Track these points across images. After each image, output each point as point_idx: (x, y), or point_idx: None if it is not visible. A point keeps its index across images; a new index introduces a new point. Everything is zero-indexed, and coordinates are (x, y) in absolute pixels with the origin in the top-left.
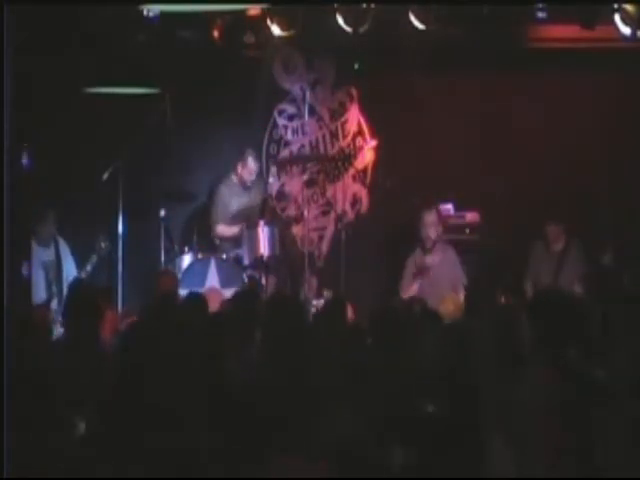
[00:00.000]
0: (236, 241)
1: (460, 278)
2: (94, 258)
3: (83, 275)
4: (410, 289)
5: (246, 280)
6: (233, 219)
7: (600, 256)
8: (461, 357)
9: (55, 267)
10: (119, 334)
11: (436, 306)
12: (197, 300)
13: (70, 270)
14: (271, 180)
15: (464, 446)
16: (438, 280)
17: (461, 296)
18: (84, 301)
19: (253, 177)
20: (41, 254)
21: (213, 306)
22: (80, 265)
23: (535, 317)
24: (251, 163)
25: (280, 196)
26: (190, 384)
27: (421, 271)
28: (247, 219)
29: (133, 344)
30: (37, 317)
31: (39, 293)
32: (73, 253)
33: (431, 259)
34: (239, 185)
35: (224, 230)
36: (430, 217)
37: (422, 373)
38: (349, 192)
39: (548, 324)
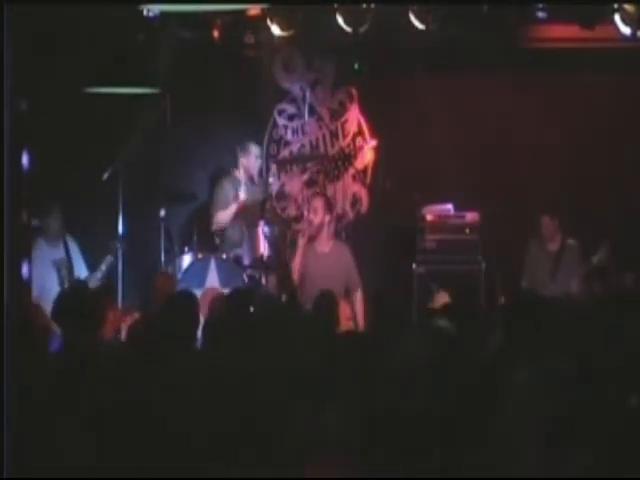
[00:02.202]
0: (236, 239)
1: (355, 281)
2: (109, 258)
3: (98, 275)
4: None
5: (246, 280)
6: (232, 211)
7: (592, 255)
8: (456, 358)
9: (66, 265)
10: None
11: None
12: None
13: (81, 269)
14: (271, 180)
15: (460, 446)
16: (324, 276)
17: (357, 299)
18: (86, 302)
19: (257, 167)
20: (51, 252)
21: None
22: (93, 265)
23: (528, 317)
24: (254, 151)
25: (280, 196)
26: (188, 384)
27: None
28: (247, 218)
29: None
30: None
31: (52, 292)
32: (83, 252)
33: (315, 249)
34: (244, 179)
35: (222, 215)
36: (315, 203)
37: (415, 373)
38: (349, 192)
39: (541, 324)
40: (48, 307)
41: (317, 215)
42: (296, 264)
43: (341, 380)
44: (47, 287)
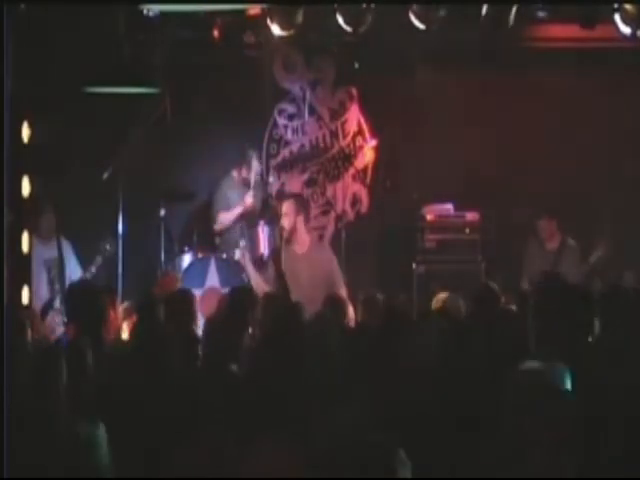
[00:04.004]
0: (237, 239)
1: (337, 279)
2: (99, 260)
3: (88, 276)
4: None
5: (246, 280)
6: (236, 213)
7: (590, 255)
8: (462, 356)
9: (57, 265)
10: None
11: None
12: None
13: (74, 269)
14: (271, 180)
15: (463, 445)
16: (307, 277)
17: (343, 295)
18: (87, 301)
19: (257, 178)
20: (43, 251)
21: (213, 306)
22: (84, 266)
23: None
24: (255, 165)
25: (280, 196)
26: (190, 382)
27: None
28: (247, 219)
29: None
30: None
31: (41, 292)
32: (76, 253)
33: (294, 251)
34: (242, 184)
35: (225, 216)
36: (284, 206)
37: (423, 372)
38: (349, 192)
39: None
40: (36, 306)
41: (289, 218)
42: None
43: (354, 380)
44: (36, 286)
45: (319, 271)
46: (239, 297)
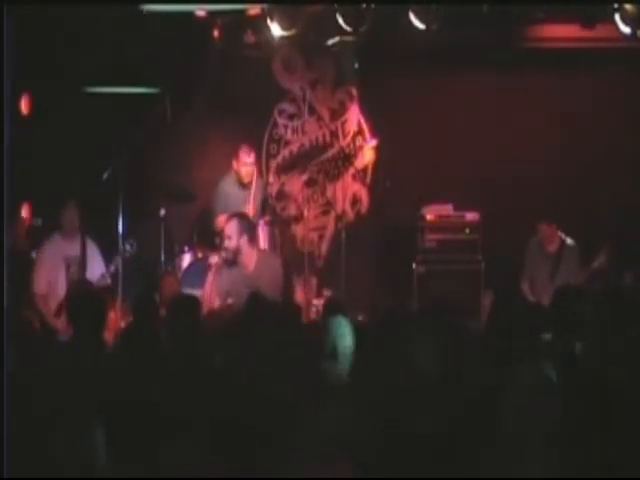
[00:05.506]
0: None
1: (277, 290)
2: (118, 260)
3: (107, 277)
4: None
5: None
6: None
7: (593, 261)
8: (461, 357)
9: (79, 263)
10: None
11: None
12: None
13: (96, 270)
14: (271, 180)
15: (462, 445)
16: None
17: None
18: (87, 301)
19: (249, 170)
20: (63, 247)
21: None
22: (105, 265)
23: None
24: (243, 156)
25: (280, 196)
26: (190, 383)
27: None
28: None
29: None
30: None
31: (57, 289)
32: (102, 253)
33: (239, 271)
34: (237, 183)
35: (223, 221)
36: (227, 229)
37: (422, 372)
38: (349, 192)
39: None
40: (53, 302)
41: (231, 240)
42: (207, 289)
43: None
44: (53, 282)
45: (263, 288)
46: (254, 305)
